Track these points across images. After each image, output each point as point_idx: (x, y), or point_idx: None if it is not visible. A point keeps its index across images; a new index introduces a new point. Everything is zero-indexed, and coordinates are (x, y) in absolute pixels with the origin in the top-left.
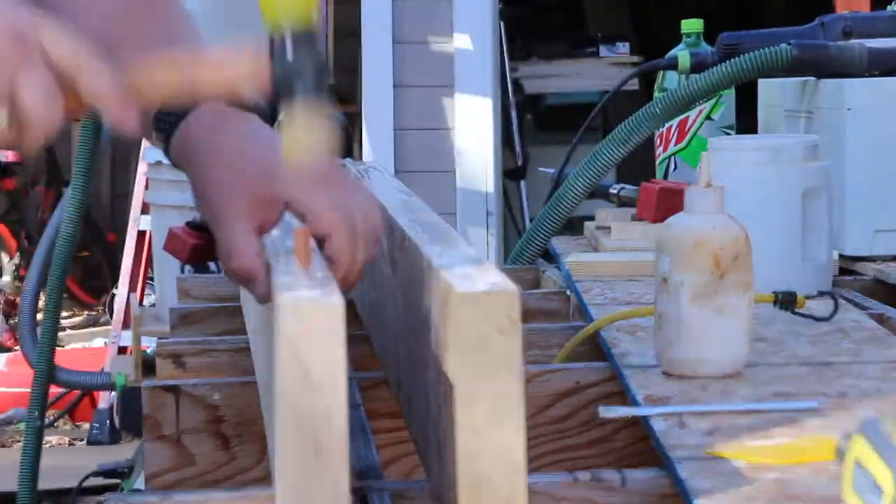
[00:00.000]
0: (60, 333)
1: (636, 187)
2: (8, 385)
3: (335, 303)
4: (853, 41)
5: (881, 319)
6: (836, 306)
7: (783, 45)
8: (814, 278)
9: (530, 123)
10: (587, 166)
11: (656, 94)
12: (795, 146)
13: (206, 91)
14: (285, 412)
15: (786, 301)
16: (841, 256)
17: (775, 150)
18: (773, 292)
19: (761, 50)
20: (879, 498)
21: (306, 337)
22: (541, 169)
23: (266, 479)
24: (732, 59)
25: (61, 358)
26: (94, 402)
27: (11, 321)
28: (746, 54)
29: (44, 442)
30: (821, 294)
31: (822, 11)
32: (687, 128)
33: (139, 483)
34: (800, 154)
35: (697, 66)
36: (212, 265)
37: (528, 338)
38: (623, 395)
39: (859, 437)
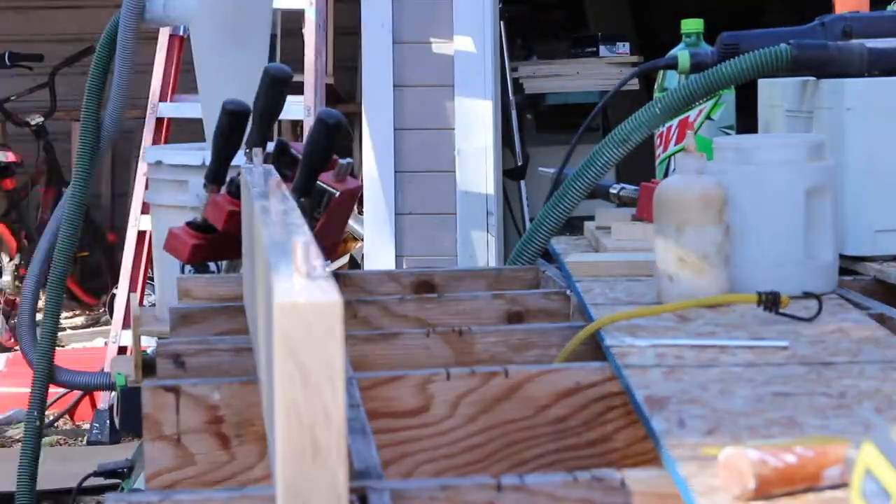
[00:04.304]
0: (60, 333)
1: (636, 187)
2: (8, 385)
3: (332, 302)
4: (853, 41)
5: (881, 319)
6: (820, 307)
7: (783, 45)
8: (819, 277)
9: (530, 123)
10: (587, 166)
11: (657, 93)
12: (800, 145)
13: None
14: (283, 411)
15: (769, 301)
16: (842, 256)
17: (779, 148)
18: (757, 293)
19: (761, 50)
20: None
21: (304, 336)
22: (541, 169)
23: (266, 479)
24: (732, 59)
25: (61, 358)
26: (94, 403)
27: (11, 321)
28: (746, 54)
29: (43, 442)
30: (805, 295)
31: (822, 12)
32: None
33: (139, 483)
34: (804, 153)
35: (697, 66)
36: (212, 265)
37: (528, 338)
38: (623, 395)
39: (869, 444)
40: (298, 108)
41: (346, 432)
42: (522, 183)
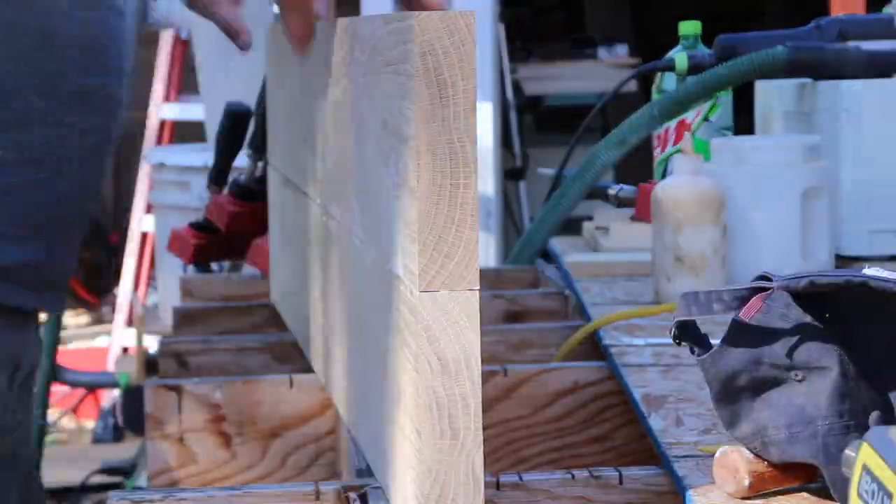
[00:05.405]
0: (63, 332)
1: (634, 188)
2: None
3: (470, 292)
4: (849, 43)
5: None
6: None
7: (779, 47)
8: None
9: (530, 124)
10: (585, 167)
11: (655, 95)
12: (796, 147)
13: None
14: (421, 397)
15: None
16: (837, 257)
17: (776, 149)
18: None
19: (758, 52)
20: (887, 502)
21: (443, 325)
22: (540, 170)
23: (266, 478)
24: (729, 61)
25: (64, 357)
26: (97, 401)
27: None
28: (742, 56)
29: (47, 440)
30: None
31: (820, 14)
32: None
33: (142, 481)
34: (800, 154)
35: (695, 68)
36: (214, 265)
37: (527, 337)
38: (622, 394)
39: (866, 443)
40: None
41: (481, 416)
42: (522, 183)
